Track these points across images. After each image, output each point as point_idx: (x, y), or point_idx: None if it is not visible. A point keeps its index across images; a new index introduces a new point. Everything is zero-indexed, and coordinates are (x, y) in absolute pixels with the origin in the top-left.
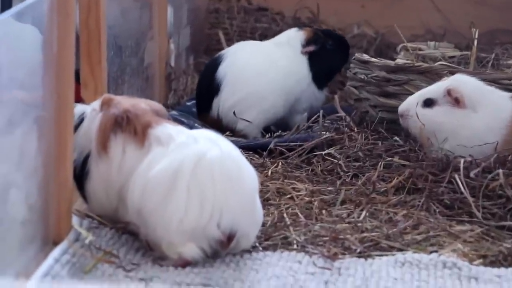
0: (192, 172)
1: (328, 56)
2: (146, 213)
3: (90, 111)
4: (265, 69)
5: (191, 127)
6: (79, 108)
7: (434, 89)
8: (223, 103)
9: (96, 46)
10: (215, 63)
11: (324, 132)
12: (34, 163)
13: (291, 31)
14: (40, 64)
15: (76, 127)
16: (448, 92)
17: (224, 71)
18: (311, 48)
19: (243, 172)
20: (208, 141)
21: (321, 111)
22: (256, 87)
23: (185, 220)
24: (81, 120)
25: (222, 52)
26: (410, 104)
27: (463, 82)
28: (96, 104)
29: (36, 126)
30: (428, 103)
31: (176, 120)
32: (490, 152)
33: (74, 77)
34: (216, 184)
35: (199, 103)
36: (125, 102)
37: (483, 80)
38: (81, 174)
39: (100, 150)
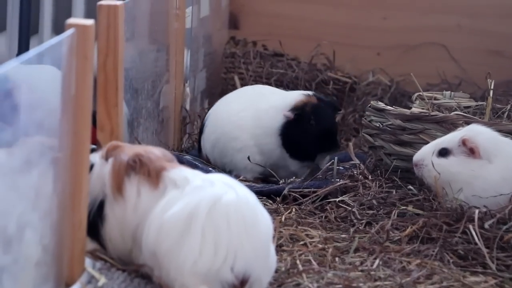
0: (207, 215)
1: (301, 132)
2: (160, 254)
3: (99, 158)
4: (240, 113)
5: (205, 171)
6: None
7: (449, 139)
8: (205, 142)
9: (113, 89)
10: None
11: (338, 179)
12: (49, 204)
13: (297, 92)
14: (59, 105)
15: None
16: (463, 142)
17: (210, 111)
18: (290, 114)
19: (259, 217)
20: (224, 185)
21: (336, 158)
22: (227, 127)
23: (199, 263)
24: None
25: None
26: (425, 153)
27: (478, 133)
28: (100, 153)
29: (52, 167)
30: (443, 153)
31: (191, 164)
32: (505, 203)
33: (91, 119)
34: (231, 228)
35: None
36: (135, 148)
37: (499, 131)
38: (94, 221)
39: (115, 193)
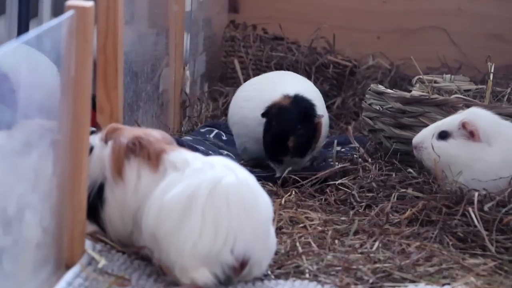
0: (207, 197)
1: (265, 132)
2: (160, 237)
3: (98, 141)
4: (245, 102)
5: (206, 153)
6: None
7: (449, 122)
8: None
9: (113, 71)
10: None
11: (337, 163)
12: (49, 186)
13: (282, 91)
14: (57, 88)
15: None
16: (463, 125)
17: (241, 86)
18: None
19: (258, 200)
20: (224, 168)
21: (335, 141)
22: (233, 111)
23: (199, 245)
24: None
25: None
26: (425, 136)
27: (478, 116)
28: (100, 135)
29: (51, 149)
30: (443, 135)
31: (191, 147)
32: (505, 186)
33: (90, 102)
34: (231, 210)
35: None
36: (134, 130)
37: (499, 114)
38: (94, 203)
39: (115, 176)
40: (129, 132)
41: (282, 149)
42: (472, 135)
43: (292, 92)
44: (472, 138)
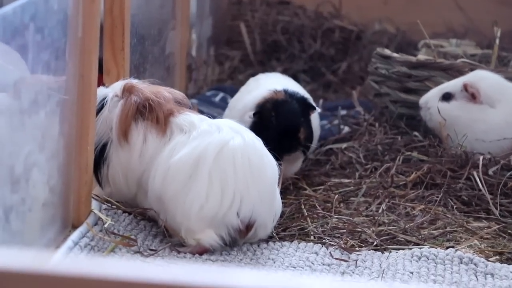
0: (214, 159)
1: (263, 130)
2: (166, 199)
3: (111, 96)
4: (233, 102)
5: (212, 117)
6: (101, 92)
7: (453, 84)
8: None
9: (120, 33)
10: None
11: (343, 127)
12: (56, 145)
13: (267, 88)
14: (65, 47)
15: (97, 112)
16: (465, 87)
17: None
18: (251, 115)
19: (265, 162)
20: (231, 130)
21: (340, 108)
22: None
23: (205, 207)
24: (101, 105)
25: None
26: (430, 97)
27: (481, 78)
28: (118, 89)
29: (59, 109)
30: (446, 97)
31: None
32: (508, 147)
33: (97, 63)
34: (237, 172)
35: None
36: (147, 90)
37: (504, 78)
38: (98, 160)
39: (121, 138)
40: (141, 92)
41: (294, 143)
42: (473, 97)
43: (279, 87)
44: (473, 100)
